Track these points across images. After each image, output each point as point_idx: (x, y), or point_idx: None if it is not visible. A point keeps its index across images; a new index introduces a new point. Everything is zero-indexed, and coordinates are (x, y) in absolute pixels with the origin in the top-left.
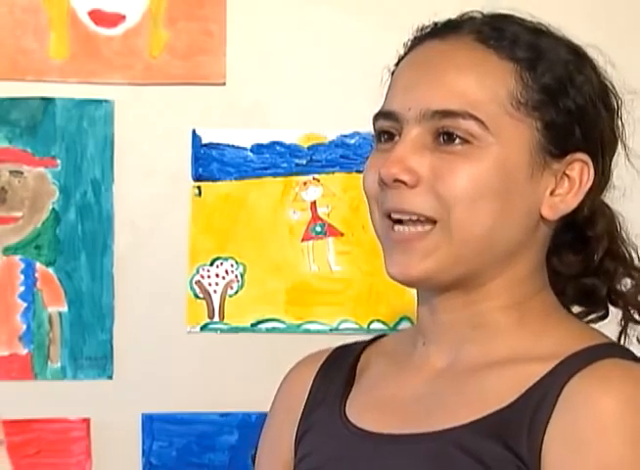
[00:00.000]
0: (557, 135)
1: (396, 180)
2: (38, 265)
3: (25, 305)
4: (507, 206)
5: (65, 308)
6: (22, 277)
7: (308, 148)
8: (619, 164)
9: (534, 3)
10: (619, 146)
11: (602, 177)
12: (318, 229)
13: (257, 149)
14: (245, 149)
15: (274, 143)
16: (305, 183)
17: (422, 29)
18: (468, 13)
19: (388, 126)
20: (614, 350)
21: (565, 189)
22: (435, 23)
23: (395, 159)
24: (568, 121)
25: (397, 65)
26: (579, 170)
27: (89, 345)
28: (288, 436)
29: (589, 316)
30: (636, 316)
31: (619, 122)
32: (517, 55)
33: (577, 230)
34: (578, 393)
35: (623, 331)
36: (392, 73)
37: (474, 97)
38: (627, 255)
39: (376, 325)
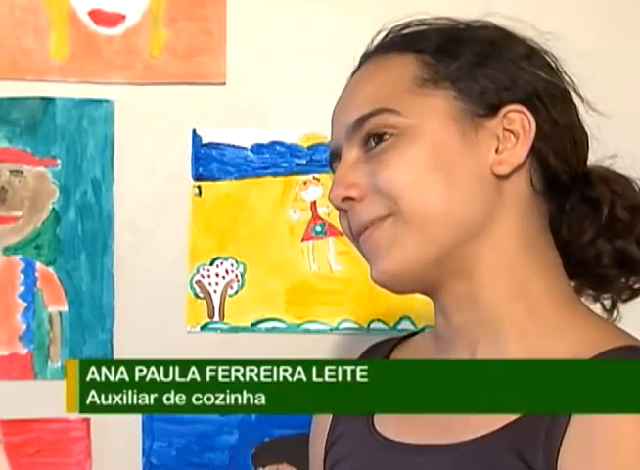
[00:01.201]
0: (474, 95)
1: (344, 198)
2: (38, 265)
3: (25, 304)
4: (451, 177)
5: (65, 308)
6: (22, 277)
7: (308, 148)
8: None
9: (531, 6)
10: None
11: (559, 129)
12: (318, 229)
13: (257, 149)
14: (245, 149)
15: (274, 143)
16: (306, 183)
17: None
18: (387, 30)
19: (336, 166)
20: (637, 354)
21: (511, 143)
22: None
23: (336, 182)
24: (475, 78)
25: None
26: (520, 121)
27: (89, 344)
28: (321, 445)
29: (633, 283)
30: None
31: (552, 65)
32: (415, 46)
33: (575, 196)
34: None
35: None
36: None
37: (381, 94)
38: None
39: (376, 325)
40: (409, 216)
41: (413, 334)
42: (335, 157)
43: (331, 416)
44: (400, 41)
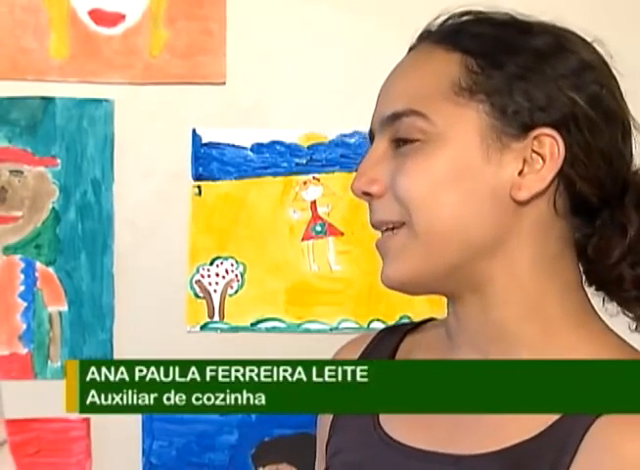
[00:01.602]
0: (508, 114)
1: (364, 193)
2: (38, 265)
3: (25, 304)
4: (467, 194)
5: (65, 308)
6: (22, 277)
7: (308, 147)
8: None
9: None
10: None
11: (592, 153)
12: (318, 229)
13: (257, 148)
14: (245, 148)
15: (274, 142)
16: (305, 183)
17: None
18: (440, 16)
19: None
20: None
21: (538, 167)
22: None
23: (359, 173)
24: (512, 94)
25: None
26: (550, 146)
27: (89, 344)
28: (324, 433)
29: None
30: None
31: (604, 82)
32: (462, 45)
33: (605, 217)
34: (605, 435)
35: None
36: None
37: (417, 94)
38: None
39: (376, 324)
40: (419, 230)
41: (426, 321)
42: (371, 137)
43: None
44: (450, 36)
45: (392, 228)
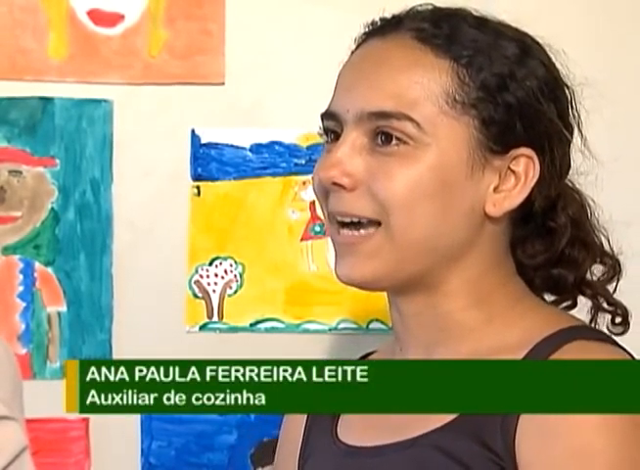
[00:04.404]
0: (496, 132)
1: (334, 183)
2: (37, 265)
3: (24, 304)
4: (447, 206)
5: (64, 308)
6: (20, 277)
7: (307, 148)
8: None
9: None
10: (577, 135)
11: (553, 169)
12: (317, 229)
13: (256, 148)
14: (244, 148)
15: (273, 143)
16: (305, 183)
17: (368, 26)
18: (414, 7)
19: (332, 126)
20: (582, 331)
21: (510, 185)
22: (380, 20)
23: (332, 162)
24: (507, 117)
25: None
26: (525, 165)
27: (88, 344)
28: (292, 460)
29: (559, 306)
30: (605, 305)
31: (572, 112)
32: (454, 52)
33: (538, 221)
34: None
35: (593, 320)
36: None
37: (408, 97)
38: (598, 242)
39: (375, 325)
40: (397, 234)
41: (370, 354)
42: (333, 117)
43: (302, 429)
44: (438, 38)
45: (359, 223)
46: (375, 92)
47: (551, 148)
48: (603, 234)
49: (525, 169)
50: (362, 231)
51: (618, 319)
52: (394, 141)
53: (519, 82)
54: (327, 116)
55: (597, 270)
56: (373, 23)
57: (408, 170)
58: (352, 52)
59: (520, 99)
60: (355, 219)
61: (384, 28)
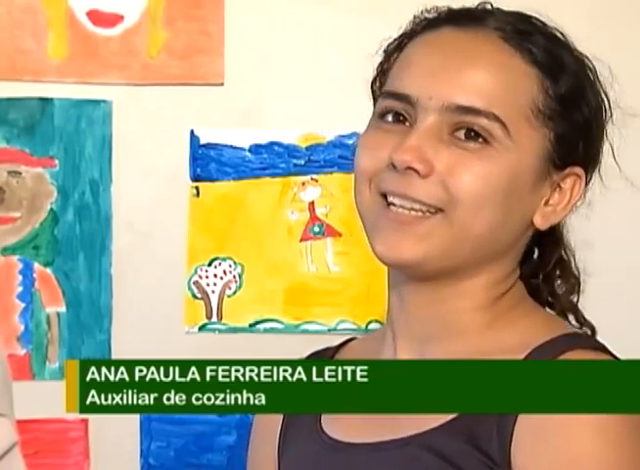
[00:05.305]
0: (564, 148)
1: (409, 168)
2: (36, 266)
3: (24, 305)
4: (508, 210)
5: (63, 309)
6: (20, 277)
7: (306, 148)
8: None
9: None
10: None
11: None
12: (316, 229)
13: (255, 149)
14: (243, 149)
15: (272, 143)
16: (304, 183)
17: (433, 12)
18: (484, 5)
19: (400, 108)
20: (578, 340)
21: (555, 200)
22: (451, 9)
23: (412, 146)
24: (576, 135)
25: (400, 43)
26: (572, 183)
27: (87, 345)
28: (270, 456)
29: None
30: (571, 319)
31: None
32: (540, 60)
33: (539, 235)
34: None
35: None
36: (395, 50)
37: (499, 99)
38: (569, 259)
39: (374, 325)
40: (457, 225)
41: (349, 340)
42: (405, 100)
43: (279, 424)
44: (530, 46)
45: (419, 210)
46: (466, 86)
47: (592, 171)
48: (572, 254)
49: (571, 187)
50: (419, 213)
51: None
52: (479, 139)
53: (587, 101)
54: (396, 96)
55: (558, 288)
56: (438, 10)
57: (486, 170)
58: (412, 33)
59: (586, 118)
60: (416, 206)
61: (462, 19)
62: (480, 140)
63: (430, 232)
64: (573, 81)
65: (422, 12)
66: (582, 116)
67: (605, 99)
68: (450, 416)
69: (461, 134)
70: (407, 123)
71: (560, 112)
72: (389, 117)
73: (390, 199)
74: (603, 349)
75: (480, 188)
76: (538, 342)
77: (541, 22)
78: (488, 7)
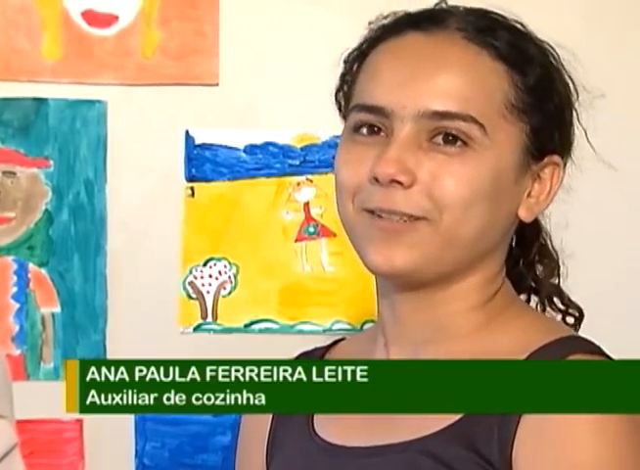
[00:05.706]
0: (541, 139)
1: (393, 180)
2: (31, 266)
3: (18, 305)
4: (495, 209)
5: (57, 309)
6: (14, 278)
7: (301, 148)
8: None
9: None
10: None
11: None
12: (311, 230)
13: (251, 149)
14: (238, 149)
15: (267, 143)
16: (299, 184)
17: (391, 17)
18: (441, 5)
19: (374, 120)
20: (577, 343)
21: (536, 191)
22: (410, 13)
23: (392, 158)
24: (550, 125)
25: (362, 52)
26: (550, 172)
27: (82, 345)
28: (259, 456)
29: None
30: (559, 305)
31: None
32: (505, 55)
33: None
34: None
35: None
36: (356, 59)
37: (473, 100)
38: (546, 243)
39: (369, 326)
40: (445, 231)
41: (339, 340)
42: (379, 112)
43: (268, 425)
44: (494, 41)
45: (407, 220)
46: (438, 91)
47: (567, 155)
48: (548, 236)
49: (550, 176)
50: (406, 222)
51: (571, 320)
52: (458, 142)
53: (556, 90)
54: (369, 109)
55: (538, 271)
56: (397, 15)
57: (469, 172)
58: (374, 40)
59: (557, 106)
60: (404, 218)
61: (424, 23)
62: (459, 143)
63: (418, 241)
64: (541, 71)
65: (378, 18)
66: (554, 104)
67: (571, 84)
68: (449, 421)
69: (439, 139)
70: (382, 134)
71: (532, 104)
72: (364, 130)
73: (377, 212)
74: (600, 352)
75: (465, 192)
76: (537, 344)
77: (501, 16)
78: (446, 6)
